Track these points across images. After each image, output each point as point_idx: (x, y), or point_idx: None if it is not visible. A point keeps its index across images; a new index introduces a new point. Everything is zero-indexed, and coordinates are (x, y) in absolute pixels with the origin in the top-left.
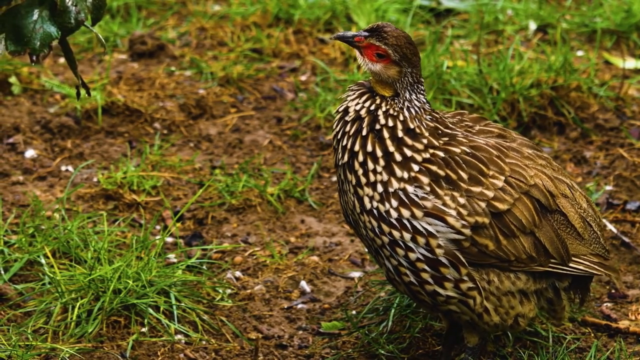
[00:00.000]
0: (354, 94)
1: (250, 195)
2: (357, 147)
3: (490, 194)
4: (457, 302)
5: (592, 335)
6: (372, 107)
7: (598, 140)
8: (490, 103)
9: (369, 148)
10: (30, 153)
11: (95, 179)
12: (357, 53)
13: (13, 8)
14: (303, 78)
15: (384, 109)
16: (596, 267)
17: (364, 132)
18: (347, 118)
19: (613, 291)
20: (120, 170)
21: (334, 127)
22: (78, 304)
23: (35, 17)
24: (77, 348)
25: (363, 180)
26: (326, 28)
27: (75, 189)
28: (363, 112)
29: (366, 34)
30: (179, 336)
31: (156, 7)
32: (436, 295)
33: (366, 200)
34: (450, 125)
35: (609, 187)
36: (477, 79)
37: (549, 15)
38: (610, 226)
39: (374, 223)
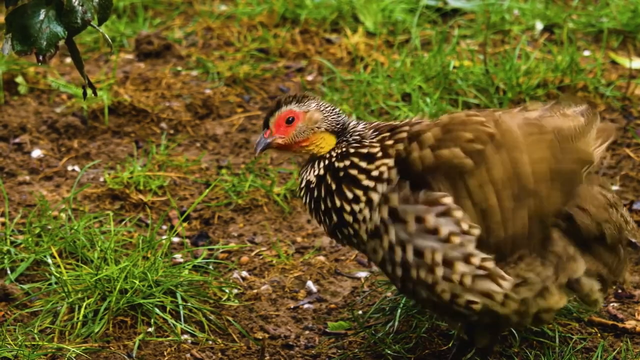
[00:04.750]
0: (304, 168)
1: (256, 195)
2: (338, 203)
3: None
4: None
5: (599, 335)
6: (325, 163)
7: None
8: (496, 103)
9: (349, 195)
10: (36, 153)
11: (101, 179)
12: (278, 143)
13: (20, 8)
14: (309, 78)
15: (334, 156)
16: None
17: (334, 187)
18: (311, 186)
19: (619, 291)
20: (126, 170)
21: (304, 201)
22: (84, 304)
23: (41, 16)
24: (83, 348)
25: (362, 227)
26: (332, 28)
27: (82, 188)
28: (322, 172)
29: (265, 127)
30: (186, 336)
31: (162, 7)
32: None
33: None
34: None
35: (615, 187)
36: (483, 79)
37: (556, 15)
38: None
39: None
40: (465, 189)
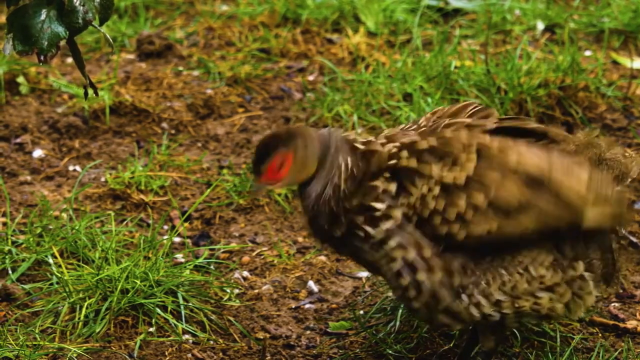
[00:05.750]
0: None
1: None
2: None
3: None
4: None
5: (600, 335)
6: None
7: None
8: (498, 103)
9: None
10: (38, 153)
11: (102, 179)
12: (274, 187)
13: (21, 8)
14: (311, 78)
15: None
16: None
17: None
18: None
19: (621, 291)
20: (127, 170)
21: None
22: (86, 304)
23: (43, 16)
24: (84, 348)
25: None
26: (334, 28)
27: (83, 188)
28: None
29: (256, 175)
30: (187, 336)
31: (164, 7)
32: None
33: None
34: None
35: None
36: (484, 79)
37: (557, 15)
38: None
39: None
40: None
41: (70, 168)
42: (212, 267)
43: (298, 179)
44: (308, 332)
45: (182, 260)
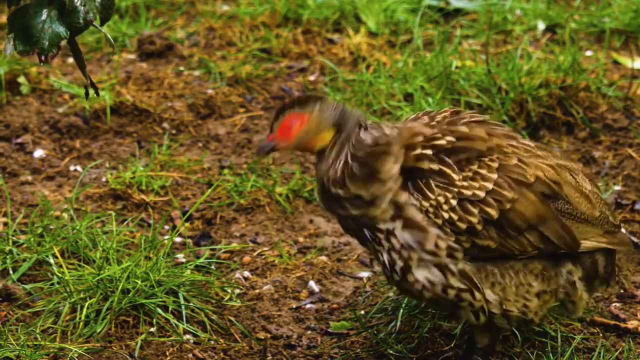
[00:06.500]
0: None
1: (258, 195)
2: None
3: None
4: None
5: (601, 335)
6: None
7: (607, 140)
8: (498, 103)
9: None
10: (38, 153)
11: (103, 179)
12: (282, 147)
13: (22, 8)
14: (312, 78)
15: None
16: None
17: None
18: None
19: (622, 291)
20: (128, 170)
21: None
22: (87, 304)
23: (44, 16)
24: (85, 348)
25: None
26: (335, 28)
27: (84, 188)
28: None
29: (270, 131)
30: (188, 336)
31: (165, 7)
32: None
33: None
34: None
35: (617, 187)
36: (485, 79)
37: (558, 15)
38: None
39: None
40: None
41: (71, 168)
42: (213, 267)
43: (309, 144)
44: (309, 332)
45: (183, 260)
